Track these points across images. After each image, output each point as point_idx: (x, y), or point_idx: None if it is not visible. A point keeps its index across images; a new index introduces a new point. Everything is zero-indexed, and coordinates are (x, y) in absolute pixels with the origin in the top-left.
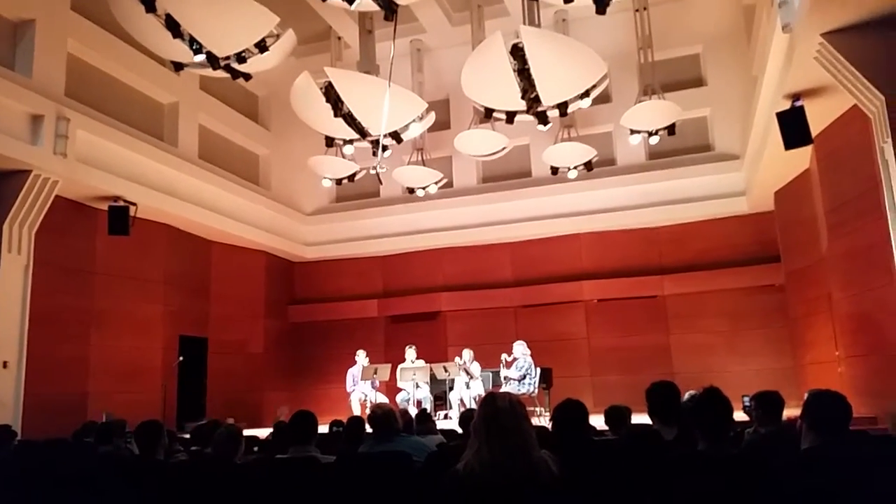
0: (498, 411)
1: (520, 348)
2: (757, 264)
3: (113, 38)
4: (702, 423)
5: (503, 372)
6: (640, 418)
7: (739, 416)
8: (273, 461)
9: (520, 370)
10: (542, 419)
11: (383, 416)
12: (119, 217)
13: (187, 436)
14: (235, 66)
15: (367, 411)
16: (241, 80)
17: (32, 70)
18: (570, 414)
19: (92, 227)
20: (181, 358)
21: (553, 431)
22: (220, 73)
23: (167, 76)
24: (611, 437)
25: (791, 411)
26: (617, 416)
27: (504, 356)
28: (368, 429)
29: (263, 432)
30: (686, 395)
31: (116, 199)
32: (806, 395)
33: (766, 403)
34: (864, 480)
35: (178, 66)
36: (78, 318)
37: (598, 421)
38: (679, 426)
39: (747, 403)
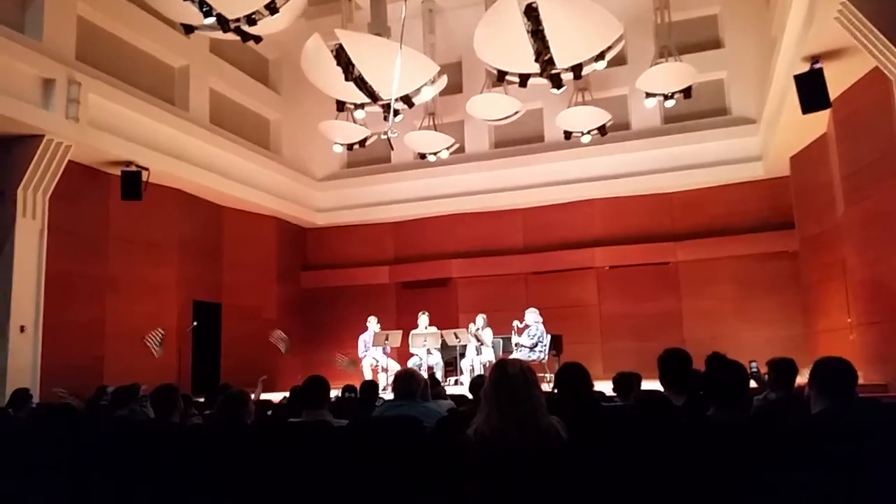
0: (508, 378)
1: (532, 316)
2: (771, 230)
3: (122, 0)
4: (716, 390)
5: (514, 339)
6: (651, 385)
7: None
8: (286, 424)
9: (532, 338)
10: (551, 385)
11: (404, 379)
12: (132, 182)
13: (202, 399)
14: (245, 28)
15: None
16: (251, 43)
17: (43, 33)
18: (571, 378)
19: (105, 192)
20: (195, 323)
21: (557, 397)
22: (231, 36)
23: (177, 39)
24: (620, 402)
25: (803, 379)
26: (625, 382)
27: (516, 323)
28: (382, 394)
29: (278, 396)
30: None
31: (129, 164)
32: (813, 363)
33: (779, 370)
34: (873, 445)
35: (188, 29)
36: (92, 284)
37: (608, 387)
38: (689, 393)
39: (754, 369)
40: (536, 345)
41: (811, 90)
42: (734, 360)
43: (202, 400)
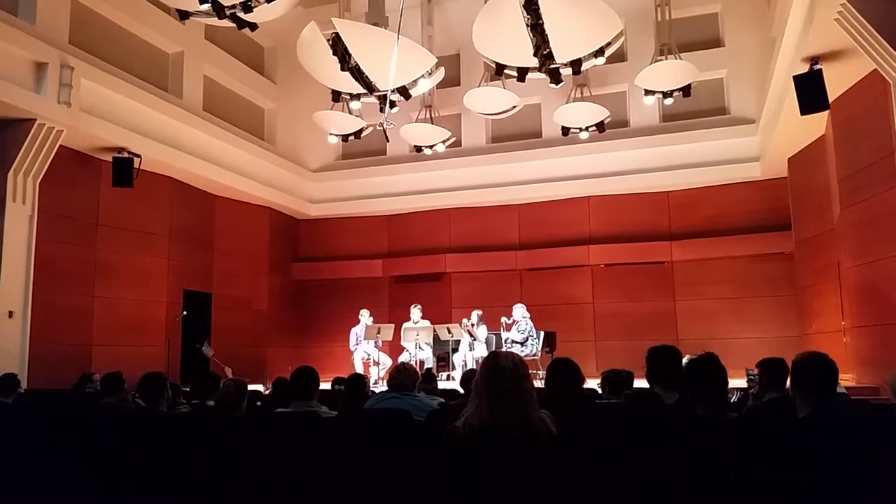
0: (500, 370)
1: (519, 311)
2: (767, 231)
3: None
4: (696, 389)
5: (505, 334)
6: (643, 383)
7: (740, 383)
8: (274, 414)
9: (522, 333)
10: (543, 382)
11: (398, 372)
12: (123, 168)
13: (187, 389)
14: (241, 14)
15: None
16: (246, 31)
17: (36, 17)
18: (560, 374)
19: (96, 178)
20: (185, 312)
21: (547, 391)
22: (226, 23)
23: (172, 25)
24: (611, 400)
25: None
26: (616, 379)
27: (504, 319)
28: (374, 387)
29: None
30: (685, 360)
31: (121, 150)
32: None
33: (770, 370)
34: (861, 446)
35: (183, 15)
36: (82, 270)
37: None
38: (680, 391)
39: (752, 376)
40: (527, 339)
41: (810, 91)
42: (708, 358)
43: (187, 389)
